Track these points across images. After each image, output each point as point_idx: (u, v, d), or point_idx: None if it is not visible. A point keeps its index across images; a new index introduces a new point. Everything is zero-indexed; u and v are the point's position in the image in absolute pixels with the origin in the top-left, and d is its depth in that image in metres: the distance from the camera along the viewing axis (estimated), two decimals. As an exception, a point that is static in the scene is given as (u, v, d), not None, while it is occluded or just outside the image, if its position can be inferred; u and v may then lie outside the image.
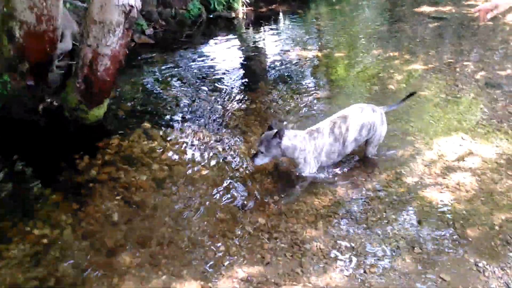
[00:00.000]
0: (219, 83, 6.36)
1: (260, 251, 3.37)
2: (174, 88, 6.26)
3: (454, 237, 3.40)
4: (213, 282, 3.12)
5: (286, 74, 6.71)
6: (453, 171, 4.18)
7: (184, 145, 4.84)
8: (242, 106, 5.67)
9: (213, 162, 4.44)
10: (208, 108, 5.62)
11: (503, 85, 5.96)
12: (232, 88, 6.24)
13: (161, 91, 6.15)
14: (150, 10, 8.46)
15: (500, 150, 4.49)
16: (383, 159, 4.38)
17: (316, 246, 3.36)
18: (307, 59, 7.22)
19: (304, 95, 5.91)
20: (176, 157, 4.61)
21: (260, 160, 3.89)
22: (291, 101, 5.75)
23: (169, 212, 3.84)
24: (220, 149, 4.70)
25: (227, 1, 9.64)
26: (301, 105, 5.62)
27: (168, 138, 4.94)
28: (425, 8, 9.83)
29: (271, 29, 9.04)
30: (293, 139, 3.81)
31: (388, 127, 4.95)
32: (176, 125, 5.27)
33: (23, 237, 3.57)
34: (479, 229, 3.47)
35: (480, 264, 3.14)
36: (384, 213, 3.65)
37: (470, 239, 3.37)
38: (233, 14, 9.79)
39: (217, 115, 5.44)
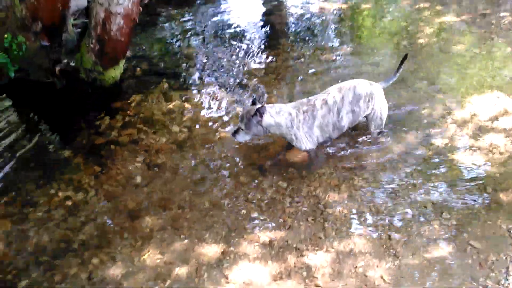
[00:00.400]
0: (238, 40, 6.11)
1: (281, 215, 3.32)
2: (192, 46, 6.06)
3: (486, 201, 3.24)
4: (234, 246, 3.11)
5: (308, 28, 6.37)
6: (486, 131, 3.94)
7: (203, 106, 4.73)
8: (262, 65, 5.45)
9: (232, 125, 4.33)
10: (227, 67, 5.43)
11: (544, 38, 5.50)
12: (252, 45, 5.98)
13: (178, 49, 5.97)
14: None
15: (539, 109, 4.20)
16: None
17: (339, 210, 3.28)
18: (331, 11, 6.82)
19: (327, 51, 5.62)
20: (195, 118, 4.51)
21: (241, 137, 3.61)
22: (313, 58, 5.49)
23: (190, 175, 3.80)
24: (240, 111, 4.56)
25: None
26: (324, 63, 5.35)
27: (187, 99, 4.83)
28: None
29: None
30: (276, 116, 3.47)
31: (417, 84, 4.71)
32: (195, 85, 5.14)
33: (48, 200, 3.62)
34: (513, 194, 3.30)
35: (512, 230, 3.00)
36: (411, 177, 3.50)
37: (503, 204, 3.20)
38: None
39: (236, 75, 5.26)
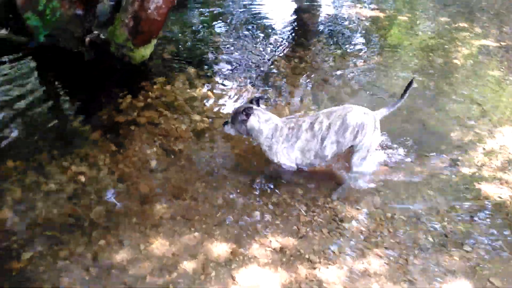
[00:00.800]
0: (268, 34, 6.00)
1: (295, 223, 3.22)
2: (221, 34, 5.96)
3: (509, 238, 3.11)
4: (244, 247, 3.02)
5: (340, 32, 6.23)
6: (516, 165, 3.80)
7: (227, 98, 4.63)
8: (291, 63, 5.33)
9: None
10: (255, 60, 5.32)
11: None
12: (282, 41, 5.86)
13: (208, 35, 5.87)
14: None
15: None
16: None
17: (356, 227, 3.17)
18: (366, 18, 6.66)
19: (357, 58, 5.49)
20: (217, 109, 4.42)
21: (227, 129, 3.61)
22: (341, 63, 5.35)
23: (206, 167, 3.71)
24: (263, 108, 4.45)
25: None
26: (352, 70, 5.22)
27: (211, 89, 4.73)
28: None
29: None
30: (263, 123, 3.41)
31: (448, 106, 4.56)
32: (221, 75, 5.05)
33: (61, 172, 3.56)
34: (538, 234, 3.17)
35: (535, 274, 2.88)
36: (435, 201, 3.38)
37: (527, 244, 3.08)
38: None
39: (263, 70, 5.15)
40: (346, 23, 6.52)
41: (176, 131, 4.08)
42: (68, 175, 3.53)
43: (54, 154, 3.74)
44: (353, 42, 6.00)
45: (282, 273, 2.83)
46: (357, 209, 3.32)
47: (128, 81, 4.67)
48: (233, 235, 3.12)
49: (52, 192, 3.38)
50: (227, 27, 6.16)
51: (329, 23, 6.52)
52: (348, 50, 5.74)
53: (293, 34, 6.13)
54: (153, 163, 3.72)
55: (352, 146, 3.41)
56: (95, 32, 4.38)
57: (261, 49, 5.64)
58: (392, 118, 4.26)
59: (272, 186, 3.52)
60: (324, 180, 3.59)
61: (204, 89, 4.71)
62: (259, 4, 6.98)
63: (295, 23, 6.51)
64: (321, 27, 6.48)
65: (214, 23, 6.22)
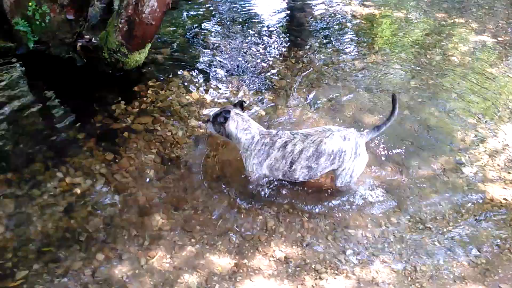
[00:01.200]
0: (263, 34, 5.88)
1: (299, 230, 3.15)
2: (215, 35, 5.83)
3: (517, 241, 3.06)
4: (248, 258, 2.94)
5: (335, 30, 6.14)
6: (520, 165, 3.76)
7: (224, 101, 4.53)
8: (287, 63, 5.23)
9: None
10: (250, 61, 5.22)
11: None
12: (277, 40, 5.76)
13: (202, 36, 5.74)
14: None
15: None
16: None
17: (361, 233, 3.10)
18: (361, 16, 6.58)
19: (353, 57, 5.40)
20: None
21: (209, 127, 3.58)
22: (338, 62, 5.26)
23: (205, 174, 3.62)
24: (263, 113, 4.37)
25: None
26: (348, 69, 5.13)
27: (208, 92, 4.63)
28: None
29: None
30: (241, 131, 3.31)
31: (449, 105, 4.49)
32: (216, 78, 4.93)
33: (56, 184, 3.44)
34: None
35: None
36: (439, 204, 3.32)
37: (535, 246, 3.03)
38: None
39: (259, 71, 5.05)
40: (342, 20, 6.43)
41: (173, 138, 3.97)
42: (63, 186, 3.42)
43: (47, 165, 3.61)
44: (348, 40, 5.92)
45: (288, 285, 2.75)
46: (361, 215, 3.25)
47: (122, 86, 4.54)
48: (236, 245, 3.03)
49: (47, 205, 3.26)
50: (220, 27, 6.04)
51: (324, 22, 6.42)
52: (344, 49, 5.66)
53: (288, 34, 6.03)
54: (151, 172, 3.61)
55: (333, 170, 3.26)
56: (87, 36, 4.25)
57: (256, 49, 5.54)
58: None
59: (274, 193, 3.43)
60: (326, 186, 3.51)
61: (200, 93, 4.60)
62: (252, 4, 6.87)
63: (290, 22, 6.41)
64: (316, 26, 6.38)
65: (206, 23, 6.10)
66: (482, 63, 5.39)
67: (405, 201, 3.35)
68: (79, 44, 4.24)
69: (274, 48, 5.62)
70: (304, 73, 5.03)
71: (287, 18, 6.54)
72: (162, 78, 4.73)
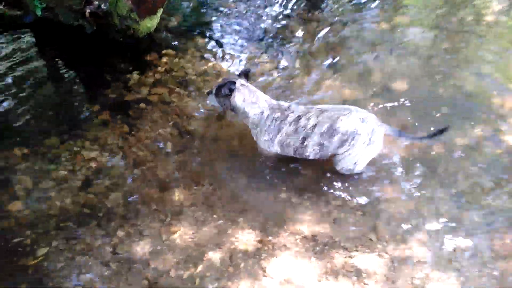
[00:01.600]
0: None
1: (326, 205, 2.98)
2: (231, -1, 5.50)
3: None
4: (273, 234, 2.80)
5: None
6: None
7: (241, 69, 4.28)
8: (306, 26, 4.88)
9: (271, 93, 3.91)
10: (267, 25, 4.89)
11: None
12: (296, 2, 5.38)
13: (216, 1, 5.42)
14: None
15: None
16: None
17: (393, 207, 2.92)
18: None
19: (376, 18, 4.98)
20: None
21: (211, 100, 3.28)
22: (360, 24, 4.87)
23: (225, 147, 3.44)
24: (278, 78, 4.12)
25: None
26: (372, 30, 4.76)
27: (224, 60, 4.38)
28: None
29: None
30: (248, 105, 3.05)
31: (484, 69, 4.15)
32: (232, 43, 4.65)
33: (72, 158, 3.34)
34: None
35: None
36: (478, 178, 3.09)
37: None
38: None
39: (276, 35, 4.74)
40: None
41: (190, 109, 3.79)
42: (79, 160, 3.30)
43: (63, 139, 3.50)
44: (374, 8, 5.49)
45: (316, 263, 2.62)
46: (393, 188, 3.05)
47: (135, 55, 4.33)
48: (259, 222, 2.89)
49: (64, 180, 3.17)
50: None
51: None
52: (367, 8, 5.26)
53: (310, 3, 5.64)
54: (168, 146, 3.46)
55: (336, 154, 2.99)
56: (96, 2, 4.01)
57: (272, 12, 5.20)
58: (423, 83, 3.93)
59: (297, 166, 3.25)
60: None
61: (216, 61, 4.36)
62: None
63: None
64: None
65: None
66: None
67: (441, 173, 3.12)
68: (87, 10, 4.01)
69: (293, 10, 5.27)
70: (325, 36, 4.70)
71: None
72: (176, 46, 4.49)
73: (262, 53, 4.48)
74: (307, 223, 2.86)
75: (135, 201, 3.05)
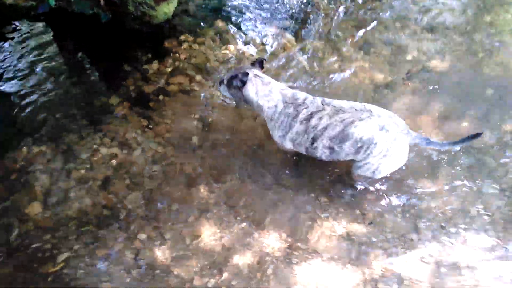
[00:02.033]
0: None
1: (360, 204, 2.74)
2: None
3: None
4: (303, 237, 2.60)
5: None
6: None
7: (264, 53, 4.01)
8: (336, 3, 4.52)
9: (299, 83, 3.64)
10: (291, 3, 4.57)
11: None
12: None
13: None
14: None
15: None
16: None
17: (436, 206, 2.64)
18: None
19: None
20: (256, 69, 3.83)
21: (222, 90, 3.03)
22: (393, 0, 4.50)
23: (249, 141, 3.22)
24: (305, 63, 3.83)
25: None
26: (405, 7, 4.35)
27: (246, 44, 4.11)
28: None
29: None
30: (262, 98, 2.78)
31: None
32: (254, 26, 4.37)
33: (91, 155, 3.20)
34: None
35: None
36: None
37: None
38: None
39: (302, 15, 4.41)
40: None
41: (212, 99, 3.57)
42: (98, 158, 3.17)
43: (81, 134, 3.37)
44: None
45: (352, 269, 2.40)
46: (435, 183, 2.77)
47: (152, 43, 4.12)
48: (286, 222, 2.69)
49: (83, 179, 3.04)
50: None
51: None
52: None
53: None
54: (192, 139, 3.28)
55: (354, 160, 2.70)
56: (110, -11, 3.80)
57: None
58: (464, 62, 3.57)
59: (322, 165, 2.99)
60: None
61: (238, 45, 4.10)
62: None
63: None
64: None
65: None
66: None
67: (488, 164, 2.81)
68: (102, -3, 3.81)
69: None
70: (353, 11, 4.34)
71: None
72: (195, 31, 4.24)
73: (285, 33, 4.18)
74: (341, 224, 2.63)
75: (156, 201, 2.89)
